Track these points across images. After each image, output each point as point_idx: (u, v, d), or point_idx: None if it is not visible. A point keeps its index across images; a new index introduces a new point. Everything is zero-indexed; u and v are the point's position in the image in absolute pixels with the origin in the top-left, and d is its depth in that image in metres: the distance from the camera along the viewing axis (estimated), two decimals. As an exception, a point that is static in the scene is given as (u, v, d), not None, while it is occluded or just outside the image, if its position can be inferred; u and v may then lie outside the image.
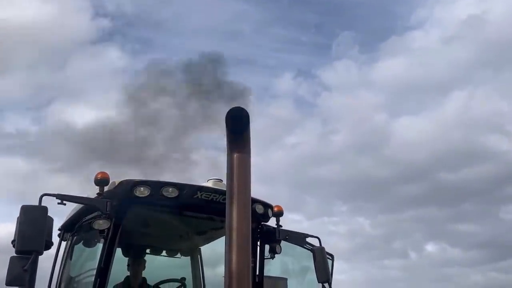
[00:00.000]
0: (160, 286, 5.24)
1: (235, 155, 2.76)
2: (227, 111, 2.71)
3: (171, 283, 5.36)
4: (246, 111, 2.68)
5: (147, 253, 5.65)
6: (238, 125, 2.71)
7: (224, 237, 5.39)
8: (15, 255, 3.84)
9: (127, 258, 5.39)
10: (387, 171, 46.72)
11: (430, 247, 49.07)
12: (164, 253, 5.82)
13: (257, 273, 5.05)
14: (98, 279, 4.29)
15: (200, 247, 5.95)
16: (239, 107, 2.69)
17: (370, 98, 47.97)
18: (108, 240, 4.30)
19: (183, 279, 5.43)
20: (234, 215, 2.67)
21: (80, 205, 4.71)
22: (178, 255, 5.91)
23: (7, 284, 3.86)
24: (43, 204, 4.00)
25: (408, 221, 48.41)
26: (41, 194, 4.02)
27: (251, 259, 2.68)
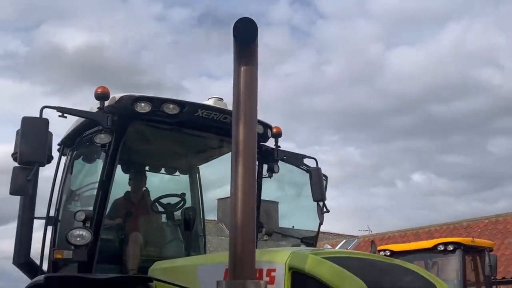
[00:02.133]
0: (160, 200, 5.31)
1: (242, 68, 2.71)
2: (235, 21, 2.64)
3: (171, 198, 5.43)
4: (254, 22, 2.61)
5: (147, 170, 5.70)
6: (245, 36, 2.65)
7: (222, 156, 5.60)
8: (18, 165, 3.88)
9: (127, 175, 5.46)
10: (379, 102, 47.01)
11: (417, 177, 50.13)
12: (163, 170, 5.86)
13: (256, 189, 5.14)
14: (100, 192, 4.35)
15: (199, 166, 5.99)
16: (247, 17, 2.61)
17: (366, 28, 47.68)
18: (109, 154, 4.33)
19: (183, 194, 5.51)
20: (241, 128, 2.66)
21: (80, 120, 4.72)
22: (177, 173, 5.96)
23: (11, 193, 3.93)
24: (44, 117, 4.02)
25: (397, 151, 49.28)
26: (42, 106, 4.02)
27: (256, 171, 2.70)
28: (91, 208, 4.33)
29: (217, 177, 6.58)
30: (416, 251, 10.21)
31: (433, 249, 10.20)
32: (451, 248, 10.00)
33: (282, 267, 3.01)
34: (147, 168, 5.74)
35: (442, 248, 10.07)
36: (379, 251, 10.75)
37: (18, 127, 3.98)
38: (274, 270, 3.02)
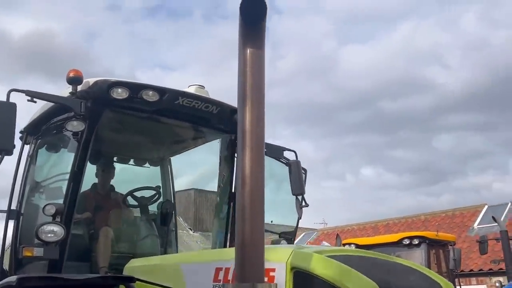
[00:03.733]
0: (134, 193, 5.11)
1: (248, 50, 2.51)
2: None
3: (144, 191, 5.23)
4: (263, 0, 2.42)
5: (115, 161, 5.46)
6: (253, 15, 2.45)
7: (195, 148, 5.44)
8: (-18, 153, 3.57)
9: (94, 166, 5.19)
10: (332, 97, 48.33)
11: (367, 171, 51.76)
12: (132, 161, 5.64)
13: (234, 182, 5.00)
14: (71, 184, 4.08)
15: (171, 158, 5.80)
16: None
17: (320, 25, 48.86)
18: (82, 143, 4.06)
19: (158, 187, 5.33)
20: (247, 116, 2.46)
21: (47, 106, 4.42)
22: (147, 164, 5.74)
23: None
24: (11, 101, 3.73)
25: (348, 146, 50.74)
26: (10, 89, 3.72)
27: (264, 161, 2.52)
28: (61, 202, 4.06)
29: (188, 169, 6.51)
30: (382, 244, 10.32)
31: (398, 243, 10.36)
32: (416, 242, 10.19)
33: (283, 266, 2.84)
34: (115, 158, 5.51)
35: (408, 242, 10.25)
36: (344, 244, 10.82)
37: None
38: (273, 270, 2.86)
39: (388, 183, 48.90)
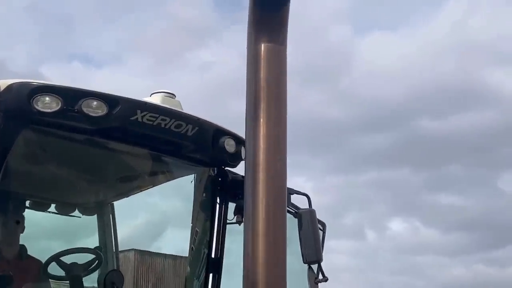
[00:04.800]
0: (60, 258, 5.23)
1: (262, 45, 2.72)
2: None
3: (77, 255, 5.36)
4: None
5: (27, 207, 5.57)
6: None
7: (154, 188, 5.56)
8: None
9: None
10: (343, 112, 47.75)
11: (395, 225, 51.36)
12: (53, 207, 5.76)
13: (214, 243, 5.14)
14: None
15: (114, 202, 5.94)
16: None
17: (329, 2, 48.70)
18: None
19: (98, 248, 5.45)
20: (261, 134, 2.62)
21: None
22: (76, 212, 5.85)
23: None
24: None
25: (367, 185, 50.11)
26: None
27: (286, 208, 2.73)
28: None
29: (131, 218, 6.56)
30: None
31: None
32: None
33: None
34: (28, 203, 5.61)
35: None
36: None
37: None
38: None
39: (428, 243, 48.48)
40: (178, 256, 5.16)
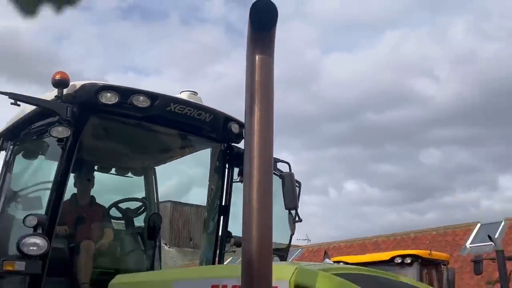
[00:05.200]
0: (119, 204, 5.10)
1: (257, 56, 2.54)
2: (252, 3, 2.47)
3: (130, 203, 5.24)
4: (274, 5, 2.45)
5: (95, 170, 5.44)
6: (264, 21, 2.48)
7: (182, 157, 5.46)
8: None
9: (73, 175, 5.16)
10: (314, 108, 48.81)
11: (349, 185, 52.21)
12: (113, 171, 5.62)
13: (224, 196, 5.02)
14: (54, 194, 4.04)
15: (155, 167, 5.80)
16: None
17: (304, 32, 49.49)
18: (66, 150, 4.03)
19: (145, 198, 5.32)
20: (255, 122, 2.47)
21: (27, 110, 4.40)
22: (130, 174, 5.72)
23: None
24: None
25: (331, 159, 51.16)
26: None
27: (272, 172, 2.54)
28: (42, 212, 4.02)
29: (169, 179, 6.51)
30: (372, 263, 10.29)
31: (390, 261, 10.34)
32: (409, 261, 10.20)
33: (285, 284, 2.85)
34: (96, 167, 5.48)
35: (399, 261, 10.24)
36: (333, 262, 10.84)
37: None
38: (276, 287, 2.86)
39: (372, 198, 49.43)
40: (200, 205, 4.98)
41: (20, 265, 3.68)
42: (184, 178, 5.86)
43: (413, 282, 3.28)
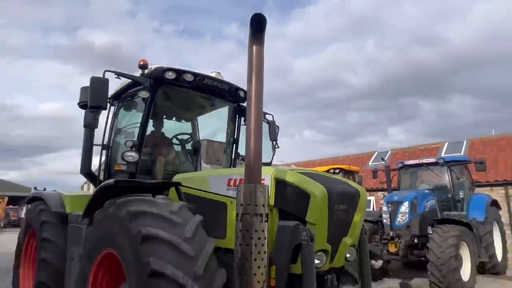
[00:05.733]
0: (177, 136, 5.07)
1: (254, 47, 2.52)
2: (252, 15, 2.42)
3: (183, 135, 5.21)
4: (264, 17, 2.41)
5: (164, 118, 5.38)
6: (258, 26, 2.44)
7: (214, 111, 5.34)
8: (89, 109, 3.54)
9: (151, 120, 5.11)
10: (287, 89, 47.65)
11: (307, 133, 52.35)
12: (174, 119, 5.56)
13: (235, 135, 5.00)
14: (141, 129, 4.10)
15: (197, 117, 5.72)
16: (260, 13, 2.41)
17: (280, 45, 48.04)
18: (147, 104, 4.05)
19: (191, 134, 5.29)
20: (253, 89, 2.48)
21: (125, 83, 4.36)
22: (183, 121, 5.66)
23: (84, 127, 3.61)
24: (105, 77, 3.67)
25: (297, 118, 50.66)
26: (104, 70, 3.66)
27: (262, 119, 2.54)
28: (135, 139, 4.07)
29: (209, 125, 6.39)
30: (317, 172, 10.48)
31: (327, 171, 10.52)
32: (337, 171, 10.44)
33: (269, 177, 2.93)
34: (164, 116, 5.43)
35: (332, 171, 10.46)
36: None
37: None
38: (264, 179, 2.95)
39: (320, 140, 49.52)
40: (222, 142, 4.87)
41: (123, 167, 3.77)
42: (213, 123, 5.78)
43: (342, 178, 3.34)
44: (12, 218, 29.68)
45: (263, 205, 2.38)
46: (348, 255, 3.03)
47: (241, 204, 2.37)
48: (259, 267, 2.23)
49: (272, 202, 2.79)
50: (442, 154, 14.96)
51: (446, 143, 15.95)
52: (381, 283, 7.40)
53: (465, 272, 6.69)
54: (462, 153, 14.66)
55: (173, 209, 2.80)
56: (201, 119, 5.72)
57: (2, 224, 26.92)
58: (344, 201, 2.93)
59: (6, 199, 27.82)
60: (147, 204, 2.81)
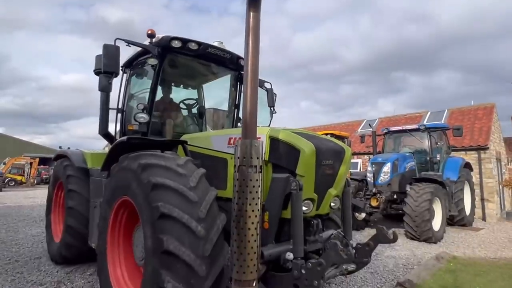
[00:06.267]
0: (184, 101, 5.01)
1: (251, 14, 2.42)
2: None
3: (190, 100, 5.13)
4: None
5: (172, 85, 5.30)
6: None
7: (218, 79, 5.25)
8: (103, 74, 3.48)
9: (160, 87, 5.03)
10: (286, 63, 46.27)
11: (304, 103, 52.25)
12: (181, 86, 5.48)
13: (237, 100, 4.93)
14: (151, 94, 4.06)
15: (203, 84, 5.63)
16: None
17: (281, 21, 46.04)
18: (156, 71, 3.98)
19: (197, 99, 5.23)
20: (250, 51, 2.41)
21: (135, 51, 4.25)
22: (189, 88, 5.58)
23: (99, 90, 3.56)
24: (116, 44, 3.57)
25: (295, 89, 50.26)
26: (115, 38, 3.54)
27: (258, 84, 2.49)
28: (146, 103, 4.04)
29: (215, 95, 6.30)
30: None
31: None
32: (329, 136, 10.39)
33: (264, 136, 2.95)
34: (172, 84, 5.35)
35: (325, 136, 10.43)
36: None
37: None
38: (260, 138, 2.97)
39: (316, 110, 48.93)
40: (224, 110, 4.83)
41: (136, 127, 3.77)
42: (217, 91, 5.66)
43: (330, 138, 3.34)
44: (44, 176, 30.34)
45: (257, 158, 2.41)
46: (332, 204, 3.14)
47: (238, 157, 2.41)
48: (253, 210, 2.31)
49: (266, 157, 2.88)
50: (424, 122, 14.87)
51: (429, 112, 15.78)
52: (363, 232, 7.68)
53: (436, 223, 6.91)
54: (442, 121, 14.55)
55: (180, 162, 2.87)
56: (207, 89, 5.61)
57: (35, 181, 27.66)
58: (330, 156, 2.99)
59: (37, 159, 28.53)
60: (156, 158, 2.89)
